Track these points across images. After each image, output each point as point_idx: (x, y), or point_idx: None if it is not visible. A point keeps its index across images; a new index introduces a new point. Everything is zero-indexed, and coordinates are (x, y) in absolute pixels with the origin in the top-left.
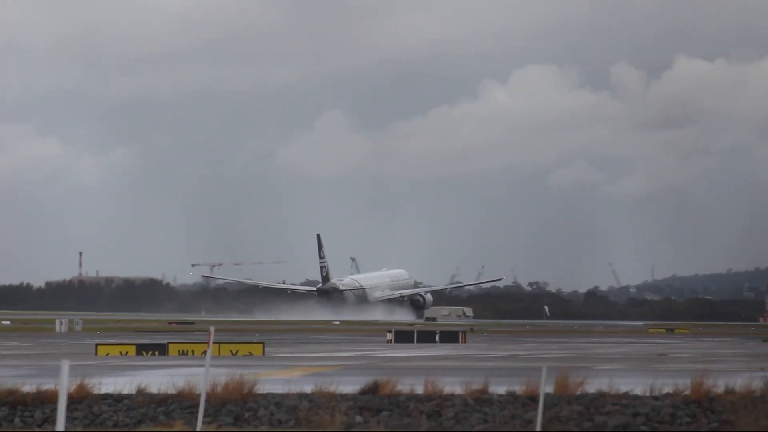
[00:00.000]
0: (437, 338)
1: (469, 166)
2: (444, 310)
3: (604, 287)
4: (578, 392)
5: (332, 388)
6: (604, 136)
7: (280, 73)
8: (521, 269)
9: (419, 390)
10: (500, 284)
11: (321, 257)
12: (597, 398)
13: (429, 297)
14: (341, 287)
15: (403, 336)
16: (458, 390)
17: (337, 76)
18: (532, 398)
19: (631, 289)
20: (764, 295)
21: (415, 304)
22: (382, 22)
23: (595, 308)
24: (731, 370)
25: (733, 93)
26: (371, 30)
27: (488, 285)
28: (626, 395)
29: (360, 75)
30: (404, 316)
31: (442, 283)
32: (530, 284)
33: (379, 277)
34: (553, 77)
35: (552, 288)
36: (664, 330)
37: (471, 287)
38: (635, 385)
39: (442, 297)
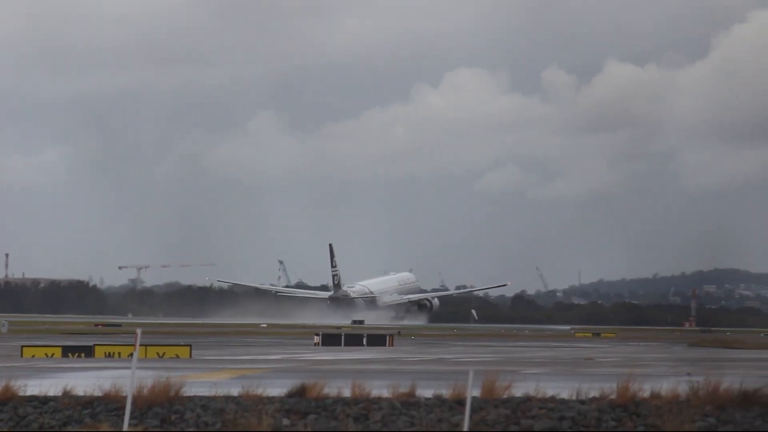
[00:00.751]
0: (365, 341)
1: (400, 168)
2: (372, 314)
3: (531, 291)
4: (505, 396)
5: (259, 391)
6: (535, 140)
7: (211, 74)
8: (449, 272)
9: (346, 393)
10: (428, 288)
11: (333, 266)
12: (523, 402)
13: (436, 301)
14: (352, 295)
15: (330, 339)
16: (385, 393)
17: (269, 77)
18: (459, 401)
19: (558, 294)
20: (690, 300)
21: (423, 308)
22: (314, 25)
23: (522, 312)
24: (657, 374)
25: (662, 98)
26: (304, 32)
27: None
28: (553, 399)
29: (292, 77)
30: (412, 320)
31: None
32: (458, 287)
33: (387, 282)
34: (485, 81)
35: (479, 292)
36: (590, 334)
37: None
38: (562, 388)
39: (370, 299)
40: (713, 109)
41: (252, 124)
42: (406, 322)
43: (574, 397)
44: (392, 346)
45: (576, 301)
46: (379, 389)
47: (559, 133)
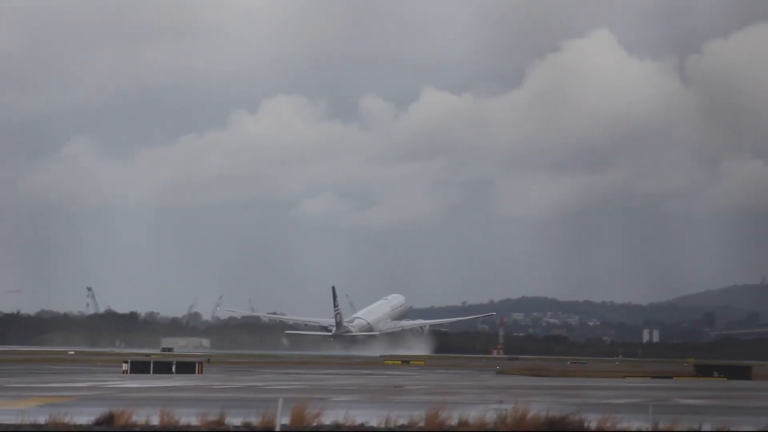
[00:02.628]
0: (174, 369)
1: (216, 195)
2: (181, 341)
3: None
4: (314, 423)
5: (67, 419)
6: (353, 167)
7: (27, 99)
8: (260, 299)
9: (155, 421)
10: (237, 315)
11: (335, 305)
12: (333, 430)
13: (427, 328)
14: (353, 331)
15: (139, 366)
16: (194, 421)
17: (86, 103)
18: (269, 429)
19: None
20: (498, 328)
21: (416, 333)
22: (131, 50)
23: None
24: (465, 402)
25: (478, 126)
26: (121, 57)
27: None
28: (362, 427)
29: (109, 102)
30: (411, 350)
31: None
32: (268, 314)
33: (380, 308)
34: (303, 108)
35: (288, 319)
36: (399, 362)
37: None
38: (371, 416)
39: (179, 326)
40: (527, 137)
41: (67, 149)
42: (403, 351)
43: (383, 425)
44: (201, 373)
45: None
46: (188, 417)
47: (376, 161)
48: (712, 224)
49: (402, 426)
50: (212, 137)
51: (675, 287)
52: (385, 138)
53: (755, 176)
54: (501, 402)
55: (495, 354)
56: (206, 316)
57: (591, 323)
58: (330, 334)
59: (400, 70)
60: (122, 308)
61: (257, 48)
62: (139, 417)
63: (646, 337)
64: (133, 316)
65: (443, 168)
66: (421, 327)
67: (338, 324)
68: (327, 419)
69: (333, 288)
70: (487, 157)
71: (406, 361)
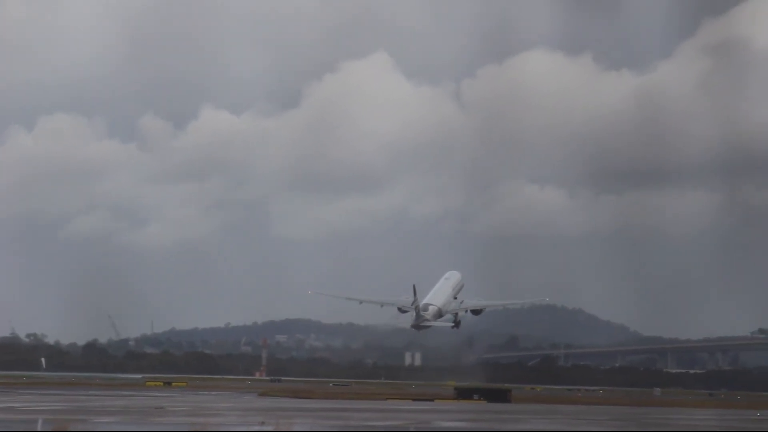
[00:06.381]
0: None
1: None
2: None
3: (103, 340)
4: None
5: None
6: (129, 187)
7: None
8: (20, 320)
9: None
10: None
11: (415, 299)
12: None
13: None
14: (429, 319)
15: None
16: None
17: None
18: None
19: (130, 342)
20: (261, 350)
21: (476, 313)
22: None
23: (93, 361)
24: (228, 423)
25: (255, 146)
26: None
27: None
28: None
29: None
30: None
31: None
32: (28, 335)
33: (444, 290)
34: (81, 127)
35: (50, 340)
36: (161, 383)
37: None
38: None
39: None
40: (303, 158)
41: None
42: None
43: None
44: None
45: (148, 350)
46: None
47: (154, 180)
48: (481, 247)
49: None
50: None
51: None
52: (164, 157)
53: (529, 200)
54: (263, 423)
55: (258, 376)
56: None
57: (354, 346)
58: (412, 324)
59: (179, 90)
60: None
61: (35, 64)
62: None
63: (408, 360)
64: None
65: (220, 187)
66: (481, 308)
67: (417, 315)
68: None
69: (414, 286)
70: (263, 177)
71: (168, 382)
